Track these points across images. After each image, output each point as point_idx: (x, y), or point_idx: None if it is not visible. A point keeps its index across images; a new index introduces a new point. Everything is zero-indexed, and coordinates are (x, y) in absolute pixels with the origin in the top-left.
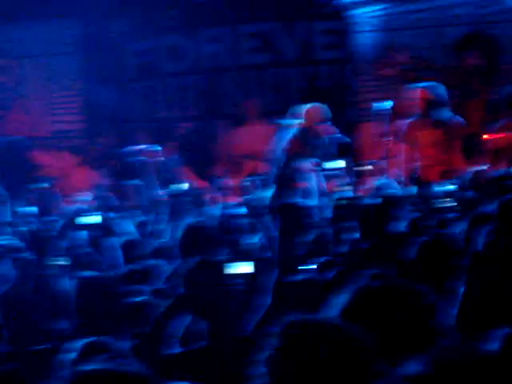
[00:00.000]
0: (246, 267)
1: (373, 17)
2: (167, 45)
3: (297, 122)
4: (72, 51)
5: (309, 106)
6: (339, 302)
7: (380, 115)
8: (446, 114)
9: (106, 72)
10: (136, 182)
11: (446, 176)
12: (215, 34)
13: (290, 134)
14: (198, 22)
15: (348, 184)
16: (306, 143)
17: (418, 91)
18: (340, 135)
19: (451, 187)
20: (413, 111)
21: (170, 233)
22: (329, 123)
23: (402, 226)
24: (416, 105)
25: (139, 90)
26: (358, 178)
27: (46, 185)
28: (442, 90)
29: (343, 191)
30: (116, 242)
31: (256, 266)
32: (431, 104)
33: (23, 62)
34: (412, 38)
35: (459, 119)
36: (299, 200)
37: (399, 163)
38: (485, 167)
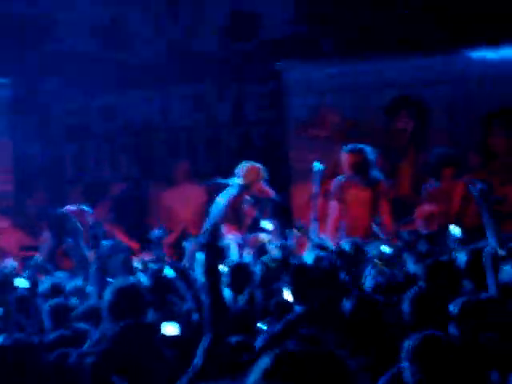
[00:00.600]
0: (173, 329)
1: (304, 79)
2: (98, 105)
3: (236, 180)
4: (2, 111)
5: (248, 164)
6: (261, 365)
7: (313, 175)
8: (373, 174)
9: (37, 132)
10: (69, 242)
11: (371, 234)
12: (147, 95)
13: (228, 193)
14: (130, 83)
15: (279, 245)
16: (245, 202)
17: (346, 154)
18: (275, 196)
19: (386, 249)
20: (342, 172)
21: (97, 294)
22: (265, 183)
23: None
24: (345, 166)
25: (71, 150)
26: (290, 238)
27: None
28: (369, 151)
29: (274, 252)
30: (43, 304)
31: (185, 328)
32: (359, 166)
33: None
34: (342, 100)
35: (386, 180)
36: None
37: (329, 221)
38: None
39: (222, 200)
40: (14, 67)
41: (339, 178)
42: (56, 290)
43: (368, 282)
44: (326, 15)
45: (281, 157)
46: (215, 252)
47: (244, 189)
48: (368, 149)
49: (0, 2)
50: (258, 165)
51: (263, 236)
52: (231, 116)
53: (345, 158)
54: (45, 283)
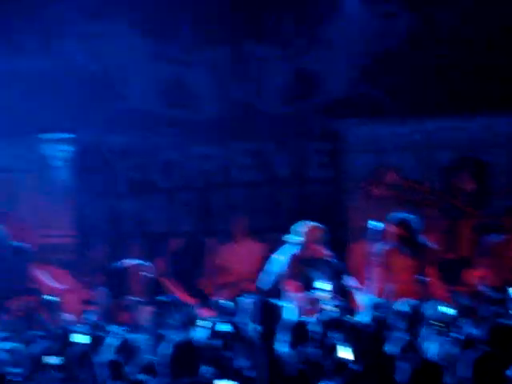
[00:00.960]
0: None
1: (363, 138)
2: (160, 161)
3: (297, 239)
4: (65, 166)
5: (309, 224)
6: None
7: (372, 235)
8: (420, 241)
9: (99, 187)
10: (129, 297)
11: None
12: (208, 152)
13: (287, 250)
14: (192, 139)
15: (336, 305)
16: (303, 262)
17: (391, 224)
18: (333, 258)
19: (449, 310)
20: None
21: (155, 348)
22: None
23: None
24: (390, 236)
25: (132, 205)
26: (347, 298)
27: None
28: (414, 221)
29: (331, 312)
30: (104, 359)
31: None
32: (404, 237)
33: (16, 176)
34: (402, 159)
35: (433, 245)
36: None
37: (374, 285)
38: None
39: (279, 257)
40: (80, 123)
41: (383, 244)
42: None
43: (427, 344)
44: (387, 75)
45: (339, 215)
46: (271, 310)
47: (304, 247)
48: (412, 218)
49: (68, 57)
50: (319, 225)
51: (320, 295)
52: (291, 173)
53: (389, 227)
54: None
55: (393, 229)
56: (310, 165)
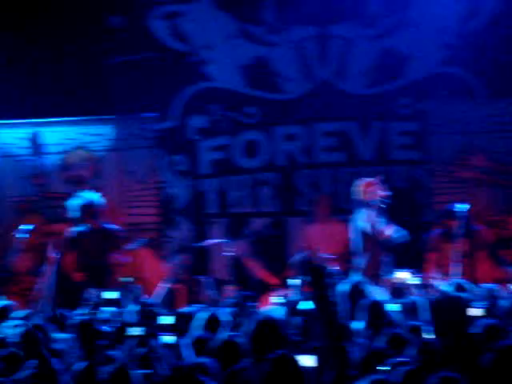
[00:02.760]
0: (310, 361)
1: (450, 119)
2: (243, 141)
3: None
4: (150, 145)
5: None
6: None
7: (458, 217)
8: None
9: (183, 167)
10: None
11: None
12: (292, 132)
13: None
14: (276, 120)
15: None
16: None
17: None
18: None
19: None
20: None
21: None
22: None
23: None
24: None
25: (214, 185)
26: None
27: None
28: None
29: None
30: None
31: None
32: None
33: (102, 154)
34: (489, 141)
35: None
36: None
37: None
38: None
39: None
40: (164, 102)
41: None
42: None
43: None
44: (477, 55)
45: (423, 198)
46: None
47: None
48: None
49: (157, 39)
50: (372, 179)
51: (400, 276)
52: (374, 154)
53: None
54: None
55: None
56: (394, 146)
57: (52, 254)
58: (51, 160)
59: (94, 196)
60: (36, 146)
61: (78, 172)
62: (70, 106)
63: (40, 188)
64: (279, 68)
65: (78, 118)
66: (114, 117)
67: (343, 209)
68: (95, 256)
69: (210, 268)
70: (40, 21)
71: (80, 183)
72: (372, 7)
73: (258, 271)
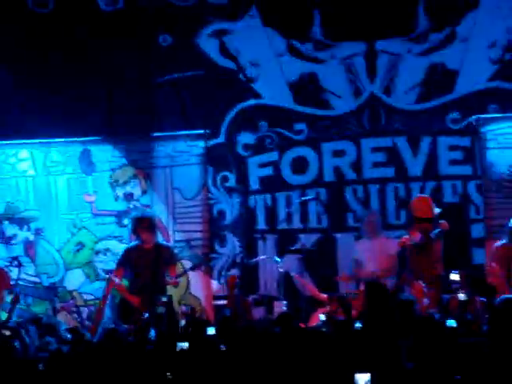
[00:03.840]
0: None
1: (501, 134)
2: (292, 157)
3: None
4: (198, 162)
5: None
6: None
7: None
8: None
9: (231, 182)
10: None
11: None
12: (340, 147)
13: None
14: (324, 135)
15: None
16: None
17: None
18: None
19: None
20: None
21: None
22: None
23: None
24: None
25: (263, 201)
26: None
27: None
28: None
29: None
30: None
31: None
32: None
33: (150, 172)
34: None
35: None
36: None
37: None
38: None
39: None
40: (213, 119)
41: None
42: None
43: None
44: None
45: (474, 213)
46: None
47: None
48: None
49: (206, 57)
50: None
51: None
52: (423, 170)
53: None
54: None
55: None
56: (444, 161)
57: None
58: (100, 178)
59: (146, 212)
60: (86, 164)
61: (127, 189)
62: (119, 124)
63: (90, 205)
64: (327, 84)
65: (128, 136)
66: (162, 134)
67: (392, 225)
68: (149, 275)
69: (260, 284)
70: (90, 40)
71: (129, 200)
72: (420, 22)
73: (308, 288)
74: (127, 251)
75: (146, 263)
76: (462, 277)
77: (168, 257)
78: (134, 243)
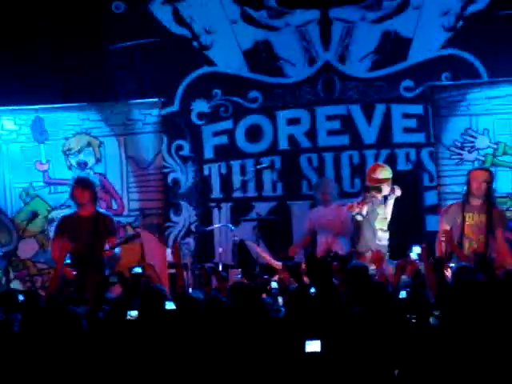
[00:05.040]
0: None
1: (453, 102)
2: (246, 126)
3: None
4: (153, 130)
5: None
6: None
7: None
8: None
9: (186, 151)
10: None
11: None
12: (295, 116)
13: None
14: (278, 104)
15: None
16: None
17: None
18: None
19: None
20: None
21: None
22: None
23: None
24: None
25: (218, 170)
26: None
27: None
28: None
29: None
30: None
31: None
32: None
33: (104, 140)
34: (492, 123)
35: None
36: None
37: None
38: None
39: None
40: (166, 87)
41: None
42: None
43: None
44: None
45: (427, 181)
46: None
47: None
48: None
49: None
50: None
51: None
52: (377, 137)
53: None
54: None
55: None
56: (397, 129)
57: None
58: (53, 146)
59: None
60: (38, 132)
61: (80, 158)
62: (71, 92)
63: (43, 174)
64: (281, 52)
65: (80, 104)
66: (115, 102)
67: (347, 192)
68: (87, 245)
69: (215, 253)
70: (40, 6)
71: (83, 169)
72: None
73: (263, 255)
74: (63, 220)
75: (84, 233)
76: (423, 250)
77: (108, 227)
78: (70, 211)
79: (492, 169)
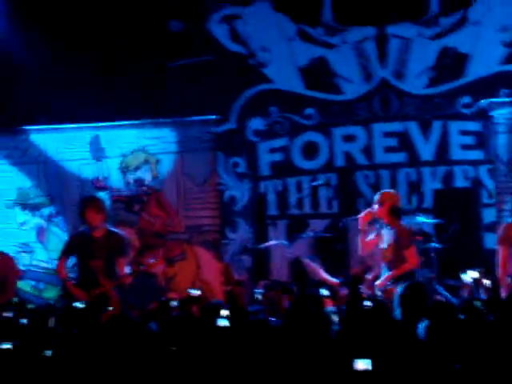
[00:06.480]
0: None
1: (511, 118)
2: (302, 143)
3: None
4: (209, 148)
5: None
6: None
7: None
8: None
9: (242, 168)
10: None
11: None
12: (351, 133)
13: None
14: (335, 120)
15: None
16: None
17: None
18: None
19: None
20: None
21: None
22: None
23: None
24: None
25: (274, 187)
26: None
27: None
28: None
29: None
30: None
31: None
32: None
33: (161, 157)
34: None
35: None
36: None
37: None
38: None
39: None
40: (223, 105)
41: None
42: None
43: None
44: None
45: (485, 197)
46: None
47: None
48: None
49: (216, 42)
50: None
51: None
52: (435, 154)
53: None
54: None
55: None
56: (454, 146)
57: None
58: (111, 163)
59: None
60: (96, 150)
61: (137, 175)
62: (130, 110)
63: (101, 191)
64: (338, 69)
65: (138, 122)
66: (172, 119)
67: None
68: (98, 266)
69: (270, 270)
70: (101, 25)
71: (140, 186)
72: (431, 5)
73: (319, 272)
74: (73, 238)
75: (95, 252)
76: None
77: (119, 247)
78: (80, 230)
79: None
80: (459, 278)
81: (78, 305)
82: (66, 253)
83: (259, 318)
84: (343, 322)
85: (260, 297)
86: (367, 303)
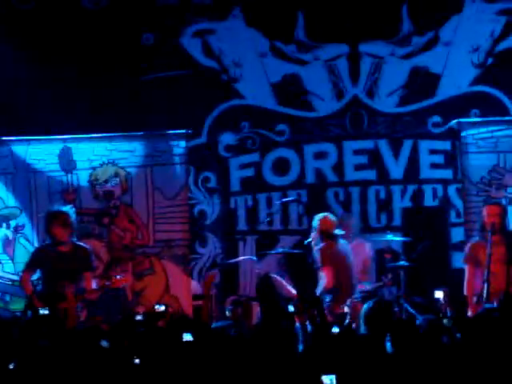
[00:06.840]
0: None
1: (481, 138)
2: (273, 159)
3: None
4: (180, 162)
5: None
6: None
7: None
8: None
9: (213, 183)
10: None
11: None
12: (322, 150)
13: None
14: (306, 137)
15: None
16: None
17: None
18: None
19: None
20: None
21: None
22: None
23: None
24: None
25: (244, 203)
26: None
27: None
28: None
29: None
30: None
31: None
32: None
33: (131, 170)
34: None
35: None
36: None
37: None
38: None
39: None
40: (194, 119)
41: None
42: None
43: None
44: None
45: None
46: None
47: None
48: None
49: (189, 57)
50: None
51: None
52: (404, 173)
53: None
54: None
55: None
56: (424, 165)
57: None
58: (81, 176)
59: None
60: (66, 162)
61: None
62: (101, 122)
63: (70, 204)
64: (310, 86)
65: (108, 135)
66: (143, 133)
67: (372, 228)
68: (63, 281)
69: (239, 285)
70: (74, 38)
71: (109, 199)
72: (404, 25)
73: (286, 289)
74: (38, 252)
75: (61, 267)
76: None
77: (86, 261)
78: (45, 243)
79: None
80: (427, 296)
81: (43, 311)
82: (30, 266)
83: (224, 333)
84: (309, 338)
85: (228, 312)
86: (335, 329)
